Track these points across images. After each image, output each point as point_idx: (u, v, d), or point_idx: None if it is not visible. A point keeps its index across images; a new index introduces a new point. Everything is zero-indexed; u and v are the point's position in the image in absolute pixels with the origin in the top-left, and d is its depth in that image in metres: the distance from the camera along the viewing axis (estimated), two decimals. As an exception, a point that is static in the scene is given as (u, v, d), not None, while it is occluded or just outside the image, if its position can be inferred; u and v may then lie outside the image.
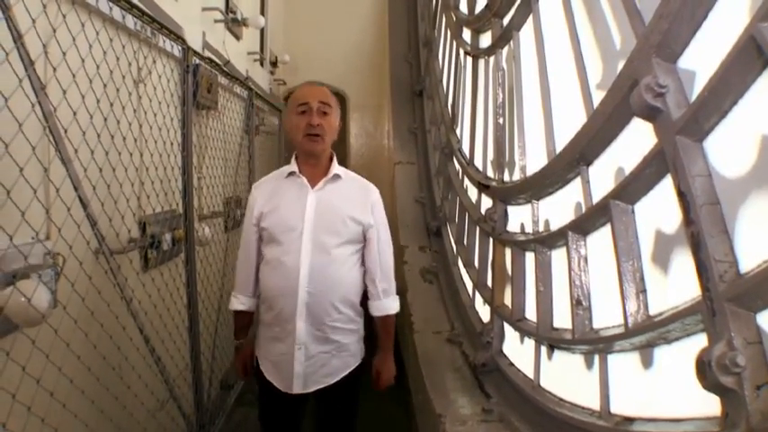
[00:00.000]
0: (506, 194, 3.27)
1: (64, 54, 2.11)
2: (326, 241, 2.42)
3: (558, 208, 2.62)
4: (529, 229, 2.94)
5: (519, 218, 3.18)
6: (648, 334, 1.75)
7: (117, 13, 2.49)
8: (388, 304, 2.62)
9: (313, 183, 2.50)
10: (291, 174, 2.55)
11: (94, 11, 2.43)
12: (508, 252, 3.17)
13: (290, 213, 2.45)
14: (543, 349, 2.63)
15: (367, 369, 2.69)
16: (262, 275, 2.56)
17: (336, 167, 2.57)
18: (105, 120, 2.46)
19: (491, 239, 3.56)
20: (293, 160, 2.59)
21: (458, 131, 5.00)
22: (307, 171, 2.53)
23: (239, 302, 2.66)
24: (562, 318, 2.45)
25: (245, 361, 2.71)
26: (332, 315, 2.44)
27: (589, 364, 2.28)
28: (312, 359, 2.46)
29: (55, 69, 2.07)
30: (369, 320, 2.69)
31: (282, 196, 2.51)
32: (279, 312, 2.45)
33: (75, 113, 2.17)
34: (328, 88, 2.58)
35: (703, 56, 1.56)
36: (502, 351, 3.21)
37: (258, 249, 2.59)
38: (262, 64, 6.99)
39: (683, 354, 1.63)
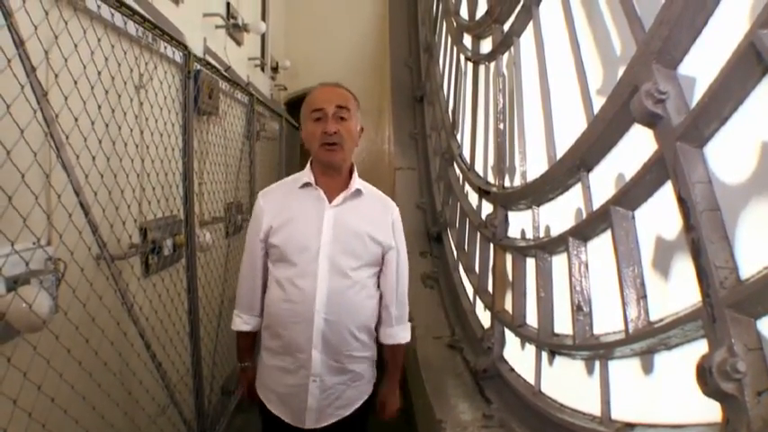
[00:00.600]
0: (507, 200, 3.27)
1: (65, 60, 2.12)
2: (345, 263, 2.19)
3: (559, 214, 2.62)
4: (529, 235, 2.94)
5: (520, 223, 3.18)
6: (649, 340, 1.75)
7: (118, 19, 2.50)
8: (400, 333, 2.42)
9: (330, 196, 2.25)
10: (306, 185, 2.27)
11: (96, 17, 2.44)
12: (509, 258, 3.17)
13: (306, 230, 2.20)
14: (544, 355, 2.63)
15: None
16: (269, 298, 2.31)
17: (357, 181, 2.31)
18: (107, 126, 2.46)
19: (492, 245, 3.56)
20: (308, 168, 2.31)
21: (458, 137, 5.01)
22: (324, 183, 2.27)
23: (243, 322, 2.41)
24: (563, 323, 2.45)
25: (252, 383, 2.47)
26: (350, 344, 2.24)
27: (590, 370, 2.28)
28: (327, 392, 2.25)
29: (57, 76, 2.07)
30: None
31: (296, 210, 2.25)
32: (290, 341, 2.22)
33: (76, 120, 2.17)
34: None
35: (703, 62, 1.56)
36: (503, 357, 3.20)
37: (265, 266, 2.34)
38: (263, 69, 7.00)
39: (683, 360, 1.63)
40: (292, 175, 2.40)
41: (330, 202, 2.24)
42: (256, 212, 2.34)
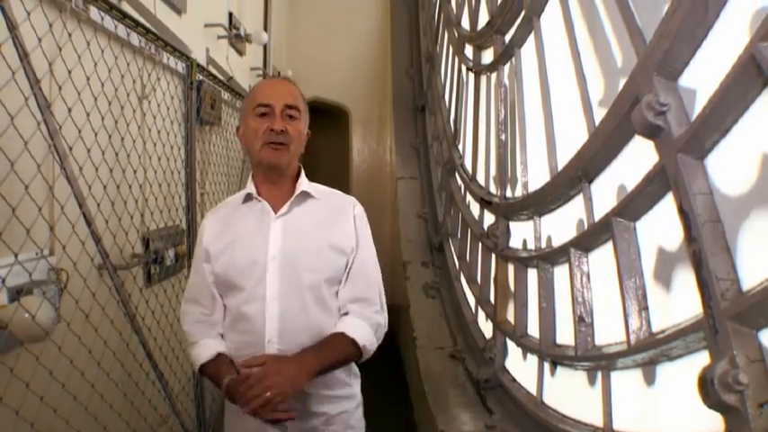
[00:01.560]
0: (508, 210, 3.28)
1: (69, 72, 2.13)
2: (299, 281, 1.82)
3: (561, 224, 2.62)
4: (531, 246, 2.94)
5: (521, 234, 3.18)
6: (651, 351, 1.75)
7: (122, 30, 2.52)
8: (357, 325, 1.86)
9: (276, 207, 1.91)
10: (248, 198, 1.96)
11: (100, 28, 2.45)
12: (511, 268, 3.17)
13: (249, 249, 1.86)
14: (546, 366, 2.63)
15: None
16: (224, 333, 1.94)
17: (304, 183, 1.97)
18: (110, 137, 2.48)
19: (493, 255, 3.56)
20: (249, 179, 2.00)
21: (460, 147, 5.02)
22: (267, 192, 1.94)
23: (205, 348, 1.88)
24: (565, 334, 2.45)
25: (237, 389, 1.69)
26: (316, 380, 1.76)
27: (592, 381, 2.28)
28: None
29: (60, 87, 2.09)
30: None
31: (237, 228, 1.92)
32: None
33: (80, 131, 2.19)
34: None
35: (704, 74, 1.57)
36: (504, 367, 3.20)
37: (214, 295, 1.94)
38: (265, 79, 7.02)
39: (685, 371, 1.62)
40: (241, 191, 2.04)
41: (276, 212, 1.91)
42: (199, 234, 2.04)
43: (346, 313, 1.89)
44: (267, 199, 1.93)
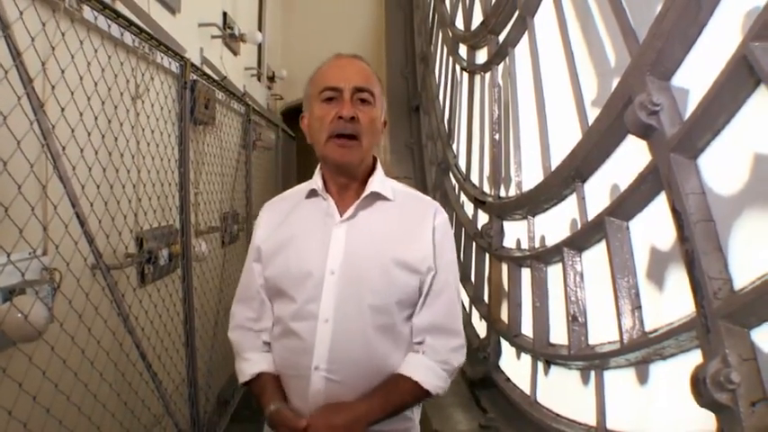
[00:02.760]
0: (502, 210, 3.28)
1: (62, 71, 2.12)
2: (360, 302, 1.53)
3: (554, 224, 2.63)
4: (525, 245, 2.95)
5: (515, 233, 3.19)
6: (644, 350, 1.76)
7: (115, 29, 2.51)
8: (424, 369, 1.55)
9: (344, 208, 1.62)
10: (313, 193, 1.67)
11: (93, 28, 2.44)
12: (504, 268, 3.18)
13: (305, 257, 1.59)
14: (540, 365, 2.63)
15: None
16: (272, 342, 1.69)
17: (378, 181, 1.64)
18: (103, 136, 2.46)
19: (487, 255, 3.56)
20: (317, 171, 1.69)
21: (454, 147, 5.03)
22: (336, 189, 1.65)
23: (247, 364, 1.66)
24: (558, 333, 2.46)
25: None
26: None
27: (585, 380, 2.28)
28: None
29: (53, 87, 2.08)
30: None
31: (295, 228, 1.65)
32: (289, 399, 1.59)
33: (73, 131, 2.17)
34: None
35: (696, 74, 1.58)
36: (498, 366, 3.21)
37: (263, 299, 1.70)
38: (259, 79, 7.01)
39: (678, 370, 1.63)
40: (308, 180, 1.73)
41: (342, 215, 1.61)
42: (255, 228, 1.78)
43: (420, 342, 1.59)
44: (335, 197, 1.64)
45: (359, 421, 1.45)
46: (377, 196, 1.62)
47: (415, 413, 1.67)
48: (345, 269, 1.55)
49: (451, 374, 1.60)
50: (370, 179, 1.63)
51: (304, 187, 1.71)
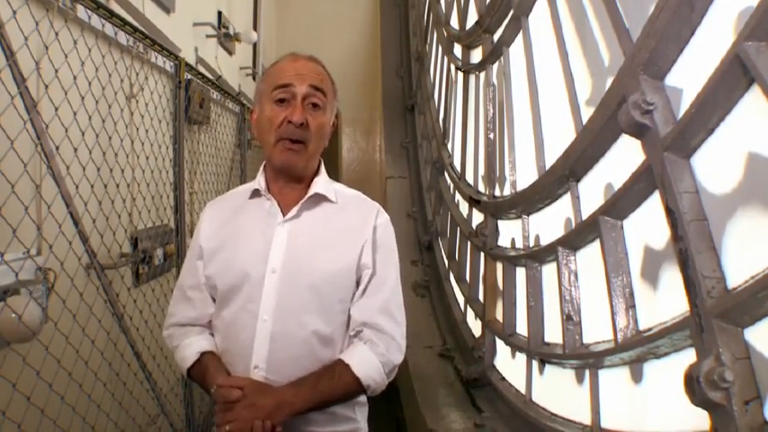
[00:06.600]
0: (497, 209, 3.29)
1: (56, 71, 2.12)
2: (299, 302, 1.55)
3: (549, 223, 2.63)
4: (519, 244, 2.95)
5: (510, 233, 3.19)
6: (638, 349, 1.76)
7: (109, 29, 2.50)
8: (367, 360, 1.54)
9: (286, 208, 1.63)
10: (256, 193, 1.68)
11: (87, 27, 2.44)
12: (499, 267, 3.18)
13: (247, 256, 1.59)
14: (534, 364, 2.64)
15: None
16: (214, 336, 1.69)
17: (321, 182, 1.66)
18: (97, 136, 2.46)
19: (482, 254, 3.57)
20: (260, 171, 1.71)
21: (449, 146, 5.03)
22: (279, 190, 1.66)
23: (188, 348, 1.65)
24: (553, 333, 2.46)
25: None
26: (309, 417, 1.52)
27: (580, 379, 2.29)
28: None
29: (47, 86, 2.07)
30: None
31: (237, 228, 1.65)
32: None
33: (66, 130, 2.17)
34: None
35: (690, 73, 1.58)
36: (493, 366, 3.21)
37: (205, 297, 1.69)
38: (254, 78, 6.99)
39: (672, 369, 1.64)
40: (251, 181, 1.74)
41: (285, 215, 1.62)
42: (197, 226, 1.77)
43: (356, 334, 1.59)
44: (278, 197, 1.64)
45: (281, 408, 1.43)
46: (320, 198, 1.65)
47: (359, 414, 1.67)
48: (286, 268, 1.56)
49: (389, 372, 1.58)
50: (315, 181, 1.66)
51: (248, 187, 1.72)
